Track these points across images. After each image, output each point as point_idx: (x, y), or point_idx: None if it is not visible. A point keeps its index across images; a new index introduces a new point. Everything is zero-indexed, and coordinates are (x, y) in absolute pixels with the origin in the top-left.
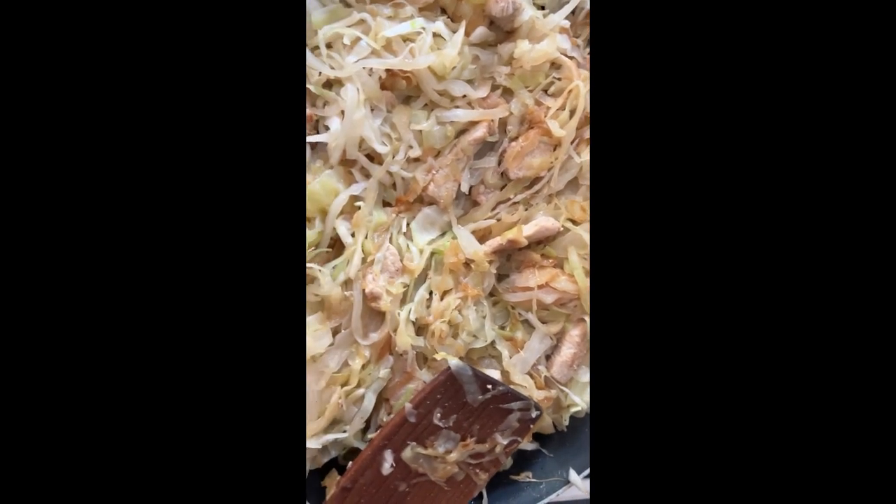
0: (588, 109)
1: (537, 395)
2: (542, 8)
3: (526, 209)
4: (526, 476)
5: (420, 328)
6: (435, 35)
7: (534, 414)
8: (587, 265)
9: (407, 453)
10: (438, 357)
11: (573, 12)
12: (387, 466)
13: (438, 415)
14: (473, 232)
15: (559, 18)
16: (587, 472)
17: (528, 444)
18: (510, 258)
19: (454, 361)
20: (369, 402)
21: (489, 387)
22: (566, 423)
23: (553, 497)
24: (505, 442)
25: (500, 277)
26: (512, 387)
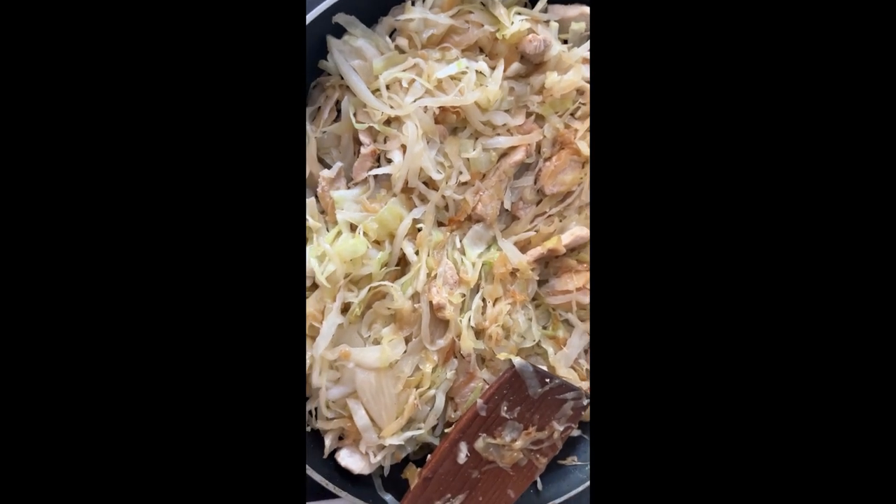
0: None
1: (580, 385)
2: (566, 42)
3: (560, 220)
4: (572, 460)
5: (478, 332)
6: (477, 73)
7: (585, 402)
8: None
9: (479, 444)
10: (501, 357)
11: None
12: (462, 456)
13: (505, 407)
14: (515, 243)
15: (582, 51)
16: None
17: (576, 431)
18: (548, 265)
19: (517, 360)
20: (440, 401)
21: (547, 380)
22: None
23: None
24: (561, 428)
25: (540, 283)
26: (565, 379)
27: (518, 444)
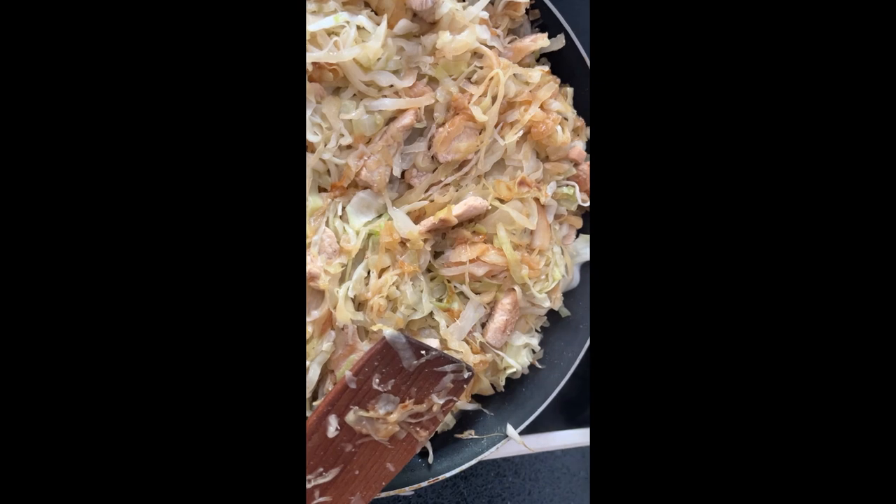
0: (508, 95)
1: (473, 359)
2: (463, 0)
3: (456, 190)
4: (469, 434)
5: (361, 304)
6: (359, 28)
7: (466, 375)
8: (515, 239)
9: (350, 417)
10: (374, 328)
11: (492, 3)
12: (332, 430)
13: (377, 380)
14: (409, 213)
15: (477, 10)
16: (524, 425)
17: (469, 405)
18: (445, 236)
19: (389, 331)
20: (314, 373)
21: (423, 352)
22: (503, 383)
23: (493, 450)
24: (441, 401)
25: (437, 254)
26: (445, 352)
27: (393, 417)
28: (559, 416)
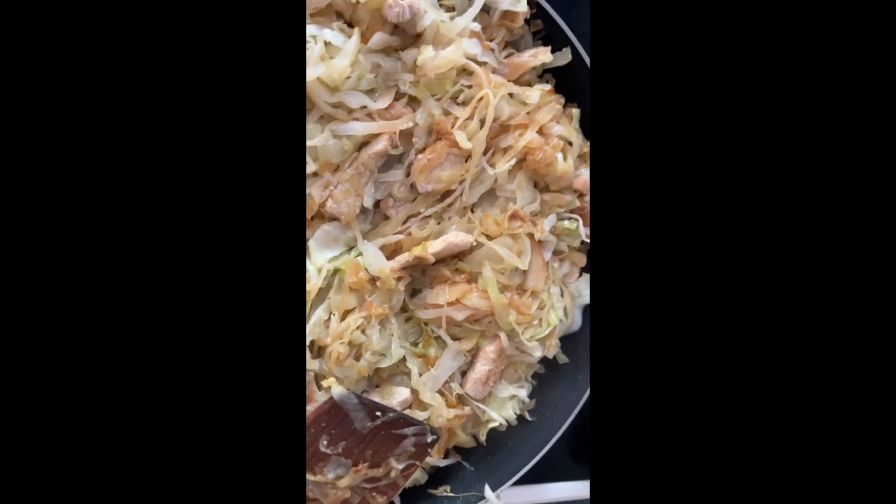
0: (500, 118)
1: (447, 413)
2: (454, 10)
3: (438, 223)
4: (444, 490)
5: (320, 350)
6: (327, 44)
7: (430, 438)
8: (503, 279)
9: None
10: (324, 384)
11: (487, 13)
12: None
13: (325, 442)
14: (383, 247)
15: (465, 21)
16: (506, 486)
17: (445, 461)
18: (425, 273)
19: (337, 390)
20: None
21: (378, 413)
22: (484, 437)
23: None
24: (401, 466)
25: (416, 292)
26: (405, 412)
27: (344, 482)
28: (557, 466)
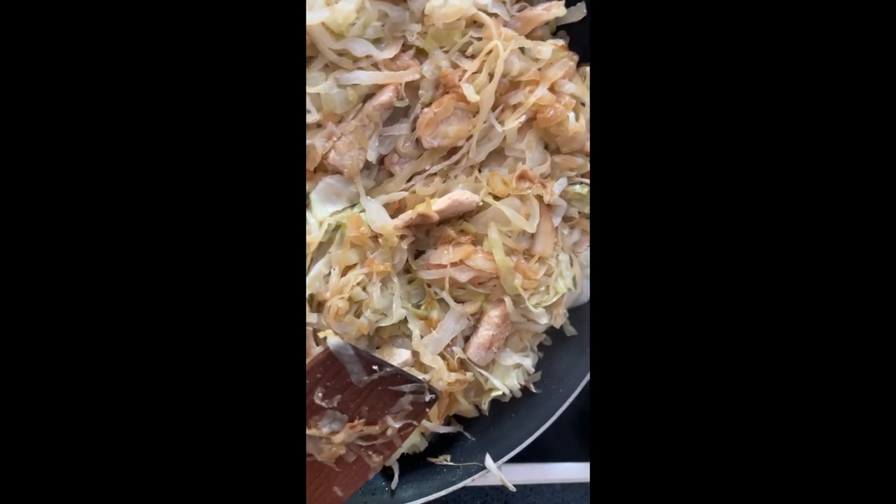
0: (511, 73)
1: (448, 377)
2: None
3: (444, 181)
4: (444, 459)
5: (319, 305)
6: None
7: (428, 397)
8: (510, 242)
9: None
10: (321, 335)
11: None
12: None
13: (320, 394)
14: (386, 205)
15: None
16: (507, 457)
17: (445, 427)
18: (429, 233)
19: (333, 340)
20: None
21: (375, 368)
22: (486, 407)
23: (468, 482)
24: (398, 425)
25: (419, 253)
26: (404, 369)
27: (339, 437)
28: (561, 446)
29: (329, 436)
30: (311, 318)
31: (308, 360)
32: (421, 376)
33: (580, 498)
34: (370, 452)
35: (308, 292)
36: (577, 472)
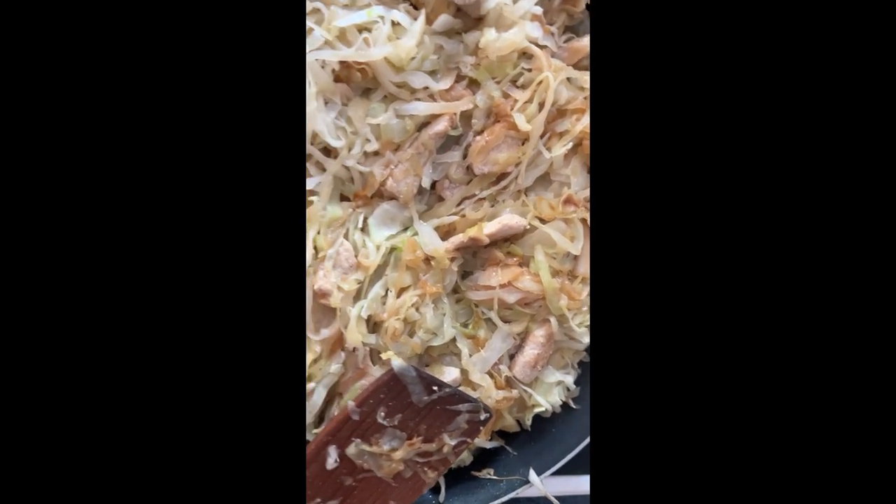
0: (558, 102)
1: (496, 395)
2: None
3: (492, 205)
4: (487, 473)
5: (376, 325)
6: (394, 24)
7: (483, 416)
8: (555, 264)
9: (351, 449)
10: (384, 356)
11: None
12: (331, 461)
13: (382, 413)
14: (437, 228)
15: (529, 5)
16: (550, 471)
17: (490, 443)
18: (476, 255)
19: (397, 362)
20: (319, 396)
21: (435, 388)
22: (529, 422)
23: (512, 495)
24: (453, 442)
25: (466, 274)
26: (461, 388)
27: (398, 454)
28: None
29: (389, 452)
30: (369, 338)
31: (371, 381)
32: (472, 394)
33: None
34: (426, 468)
35: (366, 314)
36: None
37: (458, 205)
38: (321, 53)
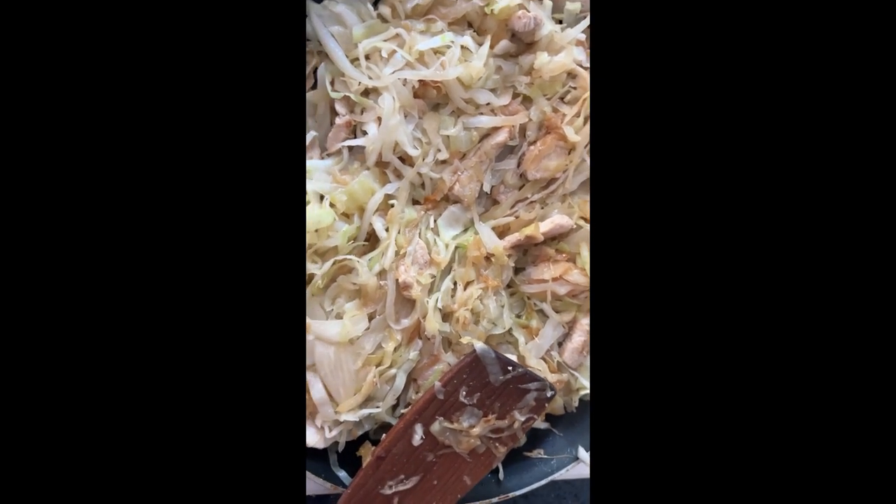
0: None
1: (551, 378)
2: (560, 22)
3: (542, 207)
4: (538, 453)
5: (445, 315)
6: (463, 48)
7: (549, 394)
8: None
9: (435, 427)
10: (464, 341)
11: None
12: (417, 438)
13: (464, 392)
14: (493, 228)
15: (576, 33)
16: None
17: (540, 424)
18: (526, 253)
19: (479, 345)
20: (400, 381)
21: (510, 368)
22: (576, 404)
23: (563, 472)
24: (522, 419)
25: (517, 270)
26: (530, 369)
27: (476, 430)
28: None
29: (468, 429)
30: (444, 327)
31: (455, 363)
32: (539, 374)
33: None
34: (497, 444)
35: (440, 304)
36: None
37: (512, 207)
38: (404, 73)
